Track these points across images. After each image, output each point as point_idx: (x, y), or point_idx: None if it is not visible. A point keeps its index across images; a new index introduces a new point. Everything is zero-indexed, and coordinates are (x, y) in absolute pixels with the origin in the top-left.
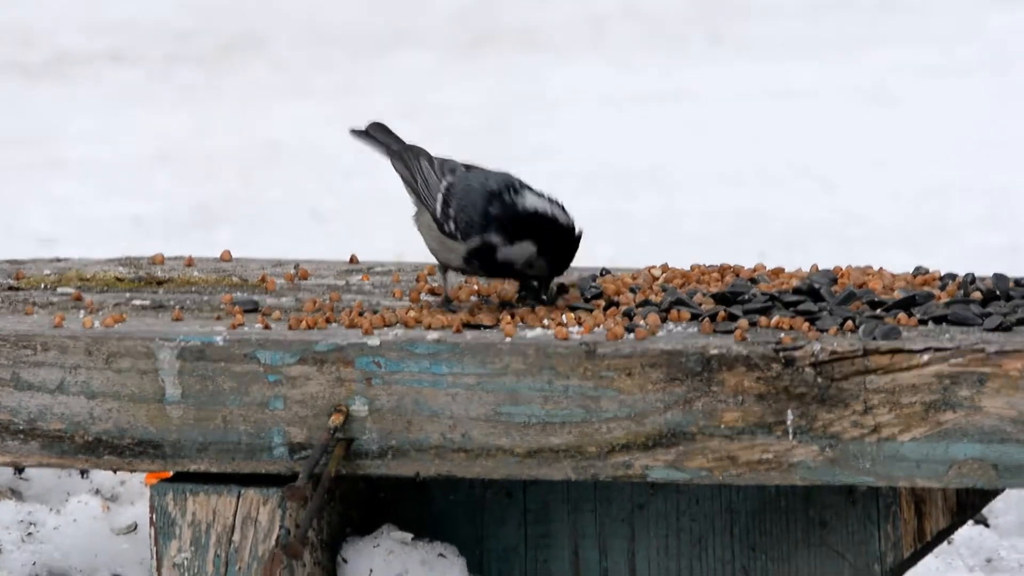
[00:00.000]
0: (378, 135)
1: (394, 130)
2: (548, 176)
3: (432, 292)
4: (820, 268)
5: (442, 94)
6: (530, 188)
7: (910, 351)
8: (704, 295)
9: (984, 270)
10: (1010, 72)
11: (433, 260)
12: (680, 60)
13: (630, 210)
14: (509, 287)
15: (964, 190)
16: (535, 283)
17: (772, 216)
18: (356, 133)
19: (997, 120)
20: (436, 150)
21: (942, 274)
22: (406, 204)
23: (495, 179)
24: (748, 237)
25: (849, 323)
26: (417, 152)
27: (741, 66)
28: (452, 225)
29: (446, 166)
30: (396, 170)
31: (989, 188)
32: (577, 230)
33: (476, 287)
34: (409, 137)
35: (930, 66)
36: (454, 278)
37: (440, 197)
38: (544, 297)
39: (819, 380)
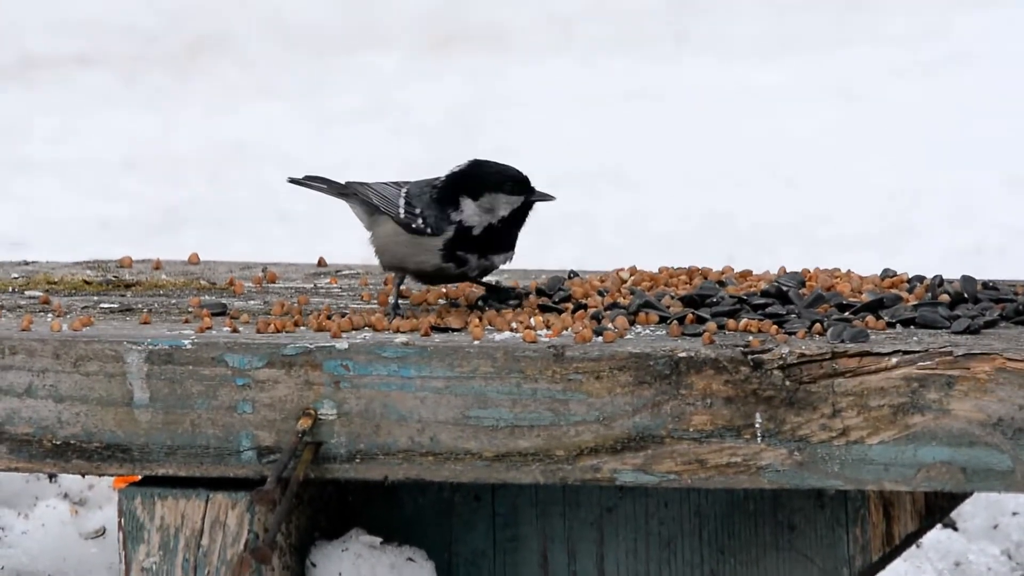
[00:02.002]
0: (317, 181)
1: (329, 177)
2: None
3: (402, 295)
4: (788, 270)
5: (408, 94)
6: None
7: (878, 354)
8: (672, 298)
9: (951, 270)
10: (975, 72)
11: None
12: (647, 60)
13: (597, 210)
14: (477, 290)
15: (931, 190)
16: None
17: (739, 216)
18: (295, 181)
19: (963, 120)
20: (402, 149)
21: (910, 276)
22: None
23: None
24: (715, 238)
25: (817, 326)
26: (362, 182)
27: (708, 66)
28: (421, 222)
29: (402, 182)
30: (348, 200)
31: (955, 188)
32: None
33: (444, 289)
34: (374, 137)
35: (896, 66)
36: (410, 283)
37: (402, 201)
38: (507, 296)
39: (787, 383)
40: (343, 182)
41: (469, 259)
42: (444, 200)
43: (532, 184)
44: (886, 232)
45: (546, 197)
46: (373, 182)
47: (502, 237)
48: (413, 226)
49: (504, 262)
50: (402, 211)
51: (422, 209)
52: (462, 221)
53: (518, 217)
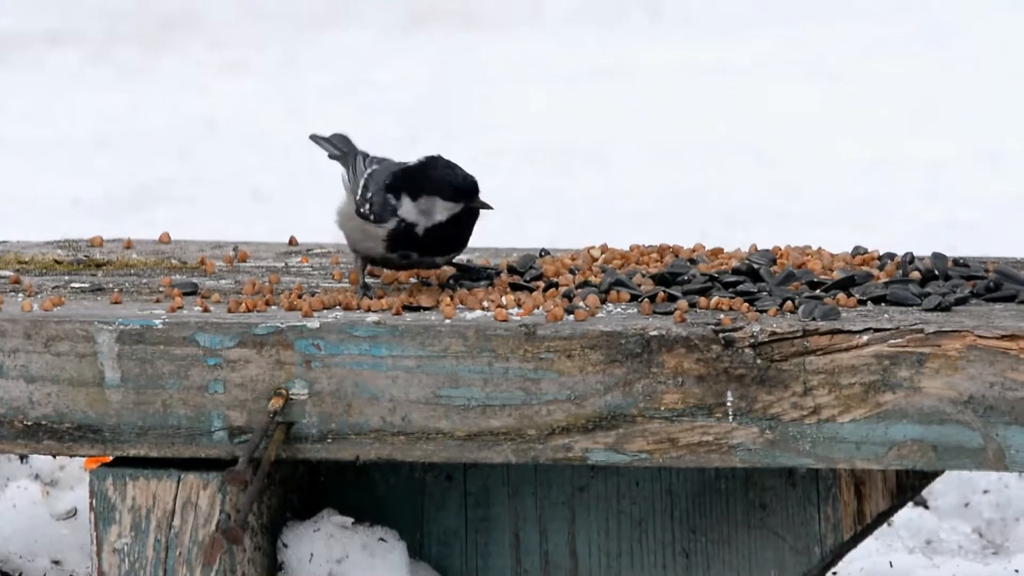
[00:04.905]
0: (338, 143)
1: (353, 140)
2: (487, 153)
3: (372, 274)
4: (760, 247)
5: (380, 71)
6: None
7: (849, 332)
8: (643, 276)
9: (922, 246)
10: (946, 48)
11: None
12: (619, 36)
13: (569, 187)
14: (448, 269)
15: (902, 166)
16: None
17: (712, 193)
18: (317, 139)
19: (934, 95)
20: (375, 127)
21: (881, 254)
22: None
23: (406, 165)
24: (688, 215)
25: (788, 304)
26: (359, 153)
27: (680, 42)
28: (367, 207)
29: (378, 159)
30: (343, 166)
31: (927, 163)
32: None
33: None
34: (347, 115)
35: (869, 41)
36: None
37: (363, 182)
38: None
39: (758, 361)
40: (355, 151)
41: (411, 255)
42: (392, 190)
43: (476, 190)
44: (858, 207)
45: (484, 206)
46: (360, 158)
47: (444, 239)
48: (361, 210)
49: (447, 262)
50: (359, 192)
51: (372, 194)
52: (403, 218)
53: (459, 221)
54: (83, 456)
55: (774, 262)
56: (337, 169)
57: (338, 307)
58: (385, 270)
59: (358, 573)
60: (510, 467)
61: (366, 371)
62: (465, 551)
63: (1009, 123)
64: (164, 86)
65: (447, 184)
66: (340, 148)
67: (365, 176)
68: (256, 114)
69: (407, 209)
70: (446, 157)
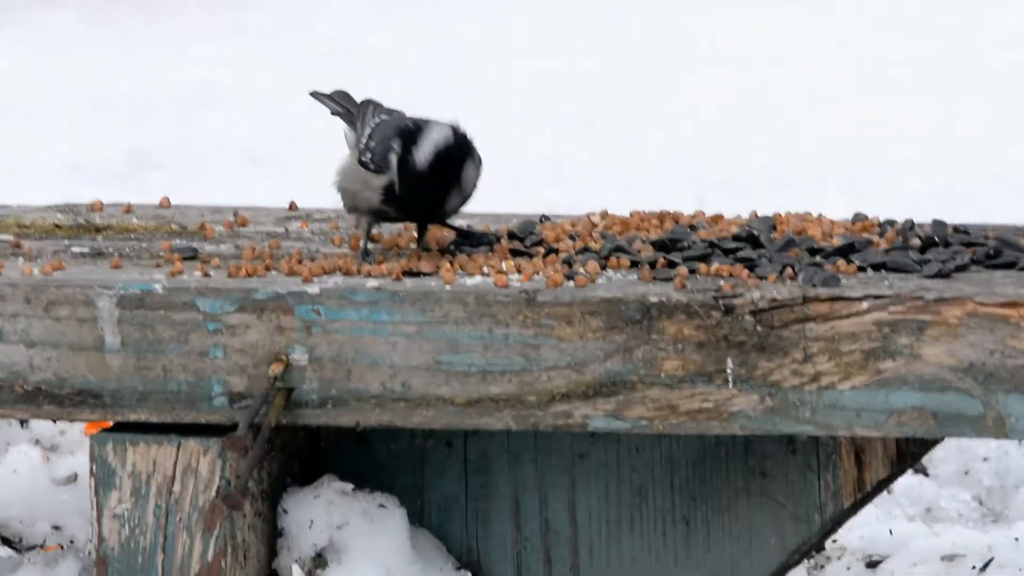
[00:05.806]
0: (340, 100)
1: (354, 97)
2: (485, 118)
3: (372, 240)
4: (759, 214)
5: (378, 34)
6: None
7: (849, 299)
8: (643, 242)
9: (922, 212)
10: (948, 12)
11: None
12: (616, 1)
13: (569, 153)
14: (448, 234)
15: (902, 131)
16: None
17: (712, 159)
18: (317, 96)
19: (934, 60)
20: (373, 89)
21: (881, 220)
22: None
23: (420, 120)
24: (688, 181)
25: (788, 270)
26: (368, 103)
27: (678, 6)
28: (369, 155)
29: (387, 110)
30: (344, 122)
31: (927, 129)
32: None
33: (415, 233)
34: (344, 77)
35: (868, 6)
36: (374, 229)
37: (368, 132)
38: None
39: (759, 328)
40: (358, 105)
41: (402, 208)
42: (396, 138)
43: (418, 145)
44: (858, 174)
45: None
46: (370, 108)
47: (418, 198)
48: (362, 159)
49: (441, 220)
50: (363, 142)
51: (376, 143)
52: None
53: (424, 183)
54: (83, 421)
55: (774, 228)
56: (338, 132)
57: (338, 272)
58: (386, 235)
59: (358, 539)
60: (510, 434)
61: (366, 337)
62: (465, 518)
63: (1009, 88)
64: (162, 49)
65: (399, 130)
66: (342, 105)
67: (372, 126)
68: (254, 77)
69: (394, 163)
70: (442, 122)
